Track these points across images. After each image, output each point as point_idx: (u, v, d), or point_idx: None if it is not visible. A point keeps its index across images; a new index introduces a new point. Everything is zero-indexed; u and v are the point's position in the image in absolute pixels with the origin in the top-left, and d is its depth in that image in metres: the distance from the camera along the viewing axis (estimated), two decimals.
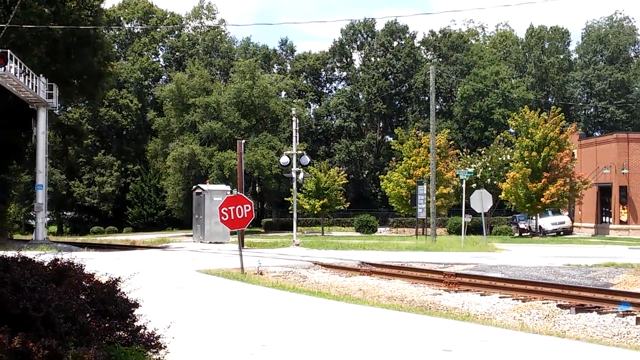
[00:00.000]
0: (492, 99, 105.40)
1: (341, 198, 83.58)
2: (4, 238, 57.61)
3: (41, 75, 50.90)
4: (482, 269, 28.87)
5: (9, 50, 43.85)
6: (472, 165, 74.39)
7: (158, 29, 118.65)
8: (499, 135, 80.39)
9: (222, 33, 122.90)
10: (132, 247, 54.33)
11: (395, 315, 15.77)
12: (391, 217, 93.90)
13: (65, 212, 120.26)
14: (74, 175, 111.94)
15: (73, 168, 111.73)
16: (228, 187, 57.35)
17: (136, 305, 7.61)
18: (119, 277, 7.94)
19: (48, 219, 65.06)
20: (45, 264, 7.47)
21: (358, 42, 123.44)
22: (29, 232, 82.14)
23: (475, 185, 68.29)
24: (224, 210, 26.00)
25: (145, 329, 7.37)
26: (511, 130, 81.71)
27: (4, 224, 67.73)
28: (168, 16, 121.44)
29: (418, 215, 57.43)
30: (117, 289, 7.67)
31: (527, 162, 66.38)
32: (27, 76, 47.68)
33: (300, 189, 75.13)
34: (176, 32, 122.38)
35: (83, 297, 7.18)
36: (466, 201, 48.60)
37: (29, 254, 7.86)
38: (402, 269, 28.65)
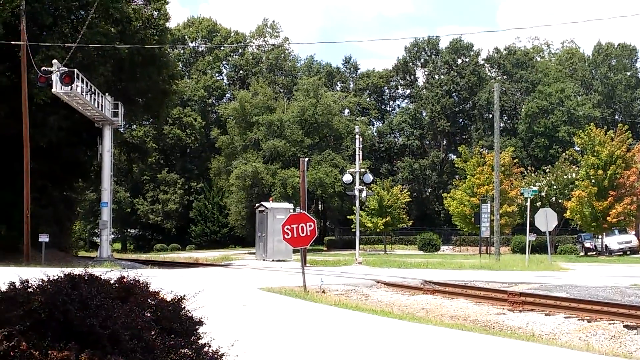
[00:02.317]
0: (557, 116, 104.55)
1: (404, 216, 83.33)
2: (69, 255, 58.29)
3: (107, 93, 51.51)
4: (547, 289, 28.54)
5: (75, 70, 44.44)
6: (536, 184, 73.78)
7: (222, 48, 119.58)
8: (564, 153, 79.74)
9: (286, 51, 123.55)
10: (195, 264, 54.63)
11: (458, 335, 15.65)
12: (454, 235, 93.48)
13: (129, 230, 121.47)
14: (138, 193, 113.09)
15: (137, 186, 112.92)
16: (291, 205, 57.47)
17: (200, 322, 7.64)
18: (184, 295, 7.98)
19: (112, 236, 65.65)
20: (112, 282, 7.53)
21: (422, 60, 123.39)
22: (94, 249, 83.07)
23: (539, 203, 67.66)
24: (287, 228, 26.01)
25: (209, 346, 7.38)
26: (577, 148, 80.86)
27: (69, 241, 68.52)
28: (232, 35, 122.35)
29: (481, 233, 57.06)
30: (182, 306, 7.70)
31: (593, 181, 65.70)
32: (93, 95, 48.25)
33: (363, 207, 75.08)
34: (240, 51, 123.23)
35: (148, 315, 7.21)
36: (530, 220, 48.16)
37: (94, 271, 7.94)
38: (466, 287, 28.45)
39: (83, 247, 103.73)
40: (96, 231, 64.25)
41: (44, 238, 45.18)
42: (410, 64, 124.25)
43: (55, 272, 7.49)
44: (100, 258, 50.48)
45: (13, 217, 48.90)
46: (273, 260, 52.48)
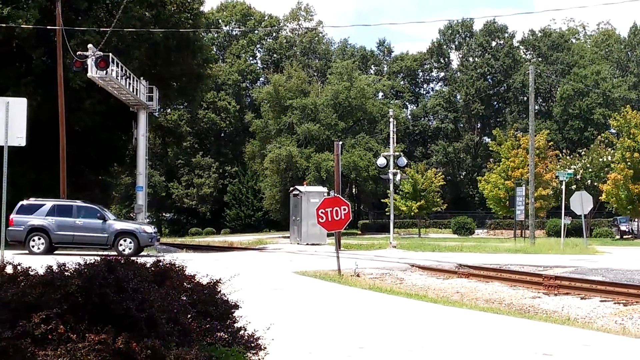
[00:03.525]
0: (592, 98, 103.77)
1: (438, 200, 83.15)
2: None
3: (141, 77, 51.66)
4: (582, 272, 28.41)
5: (110, 54, 44.62)
6: (571, 167, 73.30)
7: (256, 31, 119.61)
8: (599, 136, 79.25)
9: (320, 34, 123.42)
10: (230, 248, 54.78)
11: (493, 318, 15.61)
12: (489, 219, 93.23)
13: (164, 214, 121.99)
14: (173, 177, 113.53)
15: (172, 170, 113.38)
16: (325, 189, 57.42)
17: (236, 306, 7.68)
18: (220, 279, 8.02)
19: (148, 220, 65.85)
20: (148, 266, 7.58)
21: (456, 42, 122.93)
22: None
23: (574, 186, 67.29)
24: (322, 212, 26.04)
25: (245, 330, 7.42)
26: (612, 130, 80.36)
27: None
28: (266, 18, 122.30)
29: (516, 217, 56.85)
30: (218, 290, 7.74)
31: (629, 163, 65.24)
32: (127, 79, 48.42)
33: (397, 191, 74.99)
34: (274, 34, 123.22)
35: (184, 298, 7.26)
36: (566, 203, 47.91)
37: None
38: (500, 271, 28.38)
39: None
40: (131, 215, 64.43)
41: None
42: (445, 46, 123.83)
43: (91, 256, 7.54)
44: None
45: None
46: (307, 244, 52.49)
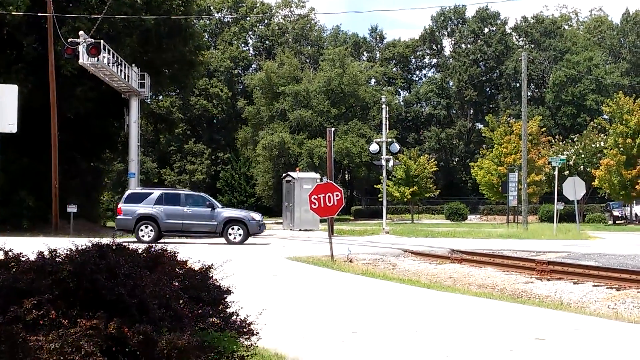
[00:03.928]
0: (585, 85, 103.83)
1: (431, 186, 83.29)
2: (97, 225, 58.60)
3: (133, 64, 51.64)
4: (575, 257, 28.45)
5: (102, 41, 44.57)
6: (564, 152, 73.50)
7: (248, 18, 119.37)
8: (592, 122, 79.41)
9: (312, 21, 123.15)
10: None
11: (486, 303, 15.64)
12: (482, 204, 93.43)
13: None
14: (165, 164, 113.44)
15: (164, 156, 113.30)
16: (318, 175, 57.42)
17: (228, 292, 7.67)
18: (212, 264, 8.01)
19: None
20: (140, 251, 7.56)
21: (448, 29, 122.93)
22: None
23: (567, 172, 67.47)
24: (314, 198, 26.07)
25: (237, 315, 7.42)
26: (605, 116, 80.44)
27: (97, 211, 68.92)
28: (258, 5, 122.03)
29: (509, 202, 56.96)
30: (210, 275, 7.73)
31: (622, 149, 65.41)
32: (119, 66, 48.42)
33: (390, 177, 75.06)
34: (266, 21, 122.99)
35: (176, 284, 7.25)
36: (558, 188, 48.01)
37: (123, 240, 7.98)
38: (493, 256, 28.39)
39: (111, 218, 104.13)
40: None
41: (72, 208, 45.50)
42: (437, 33, 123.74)
43: (83, 242, 7.53)
44: None
45: (42, 188, 49.18)
46: (300, 230, 52.51)
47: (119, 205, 37.87)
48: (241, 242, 36.66)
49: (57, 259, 7.06)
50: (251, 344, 7.40)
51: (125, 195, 38.75)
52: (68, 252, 7.12)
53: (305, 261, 25.34)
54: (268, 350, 9.35)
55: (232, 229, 37.14)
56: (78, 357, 6.19)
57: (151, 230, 36.76)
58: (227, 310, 7.48)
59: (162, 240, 35.23)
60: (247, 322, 7.41)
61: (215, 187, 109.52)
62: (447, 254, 29.78)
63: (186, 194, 39.40)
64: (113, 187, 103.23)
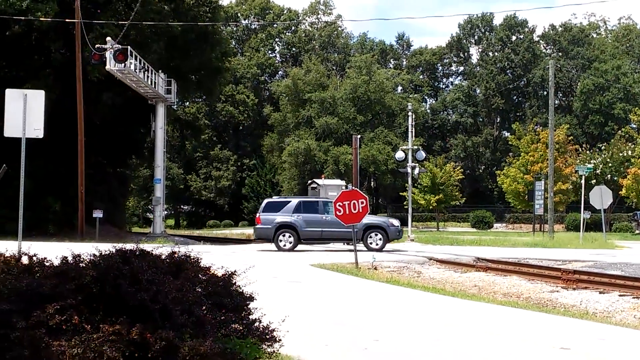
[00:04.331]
0: (613, 93, 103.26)
1: (457, 193, 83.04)
2: (122, 231, 58.80)
3: (160, 71, 51.77)
4: (601, 267, 28.26)
5: (128, 47, 44.70)
6: (591, 161, 73.07)
7: (275, 25, 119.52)
8: (619, 131, 78.93)
9: (339, 28, 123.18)
10: (247, 241, 54.77)
11: (511, 312, 15.55)
12: (508, 213, 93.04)
13: (182, 206, 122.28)
14: (191, 170, 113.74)
15: (190, 162, 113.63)
16: (343, 182, 57.39)
17: (251, 298, 7.66)
18: (235, 271, 8.00)
19: (165, 212, 65.99)
20: (163, 257, 7.56)
21: (476, 37, 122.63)
22: (147, 225, 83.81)
23: (594, 181, 67.06)
24: (339, 205, 26.02)
25: (260, 322, 7.41)
26: (633, 125, 79.91)
27: (123, 217, 69.16)
28: (285, 12, 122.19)
29: (535, 211, 56.72)
30: (233, 282, 7.73)
31: None
32: (146, 72, 48.55)
33: (415, 184, 74.93)
34: (293, 28, 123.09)
35: (199, 290, 7.25)
36: (585, 197, 47.73)
37: (147, 246, 7.99)
38: (519, 265, 28.23)
39: (137, 223, 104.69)
40: (150, 207, 64.69)
41: (98, 214, 45.61)
42: (464, 40, 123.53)
43: (107, 247, 7.53)
44: (154, 234, 50.85)
45: (68, 193, 49.37)
46: None
47: (258, 215, 38.39)
48: (380, 249, 36.68)
49: (80, 264, 7.08)
50: (273, 351, 7.39)
51: (263, 205, 39.16)
52: (91, 258, 7.13)
53: (329, 268, 25.31)
54: (291, 357, 9.31)
55: (372, 235, 37.25)
56: None
57: (290, 238, 37.03)
58: (250, 316, 7.48)
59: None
60: (270, 328, 7.41)
61: (241, 193, 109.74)
62: (472, 262, 29.65)
63: (324, 201, 39.50)
64: (139, 192, 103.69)
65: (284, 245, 36.66)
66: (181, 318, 6.62)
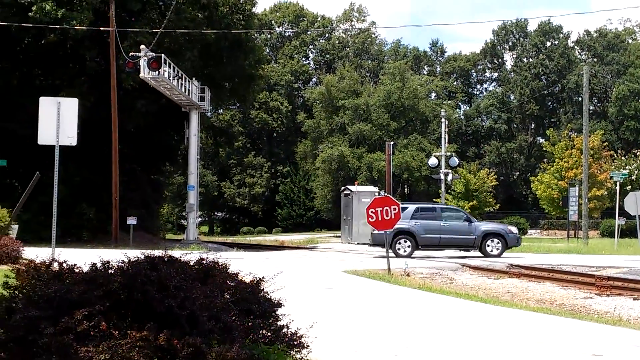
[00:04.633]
0: None
1: (491, 200, 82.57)
2: (156, 238, 59.00)
3: (193, 78, 51.94)
4: (636, 273, 28.01)
5: (162, 55, 44.90)
6: (626, 167, 72.51)
7: (309, 32, 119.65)
8: None
9: (373, 35, 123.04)
10: (281, 247, 54.89)
11: (543, 319, 15.46)
12: (542, 219, 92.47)
13: (216, 213, 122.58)
14: (225, 177, 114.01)
15: (224, 169, 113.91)
16: (376, 189, 57.35)
17: (279, 304, 7.66)
18: (263, 277, 8.01)
19: (199, 219, 66.19)
20: (191, 263, 7.58)
21: (510, 43, 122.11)
22: (181, 232, 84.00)
23: (629, 187, 66.53)
24: (372, 212, 25.99)
25: (288, 328, 7.41)
26: None
27: (157, 223, 69.39)
28: (319, 19, 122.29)
29: (569, 217, 56.41)
30: (261, 288, 7.73)
31: None
32: (180, 79, 48.73)
33: (449, 191, 74.67)
34: (326, 35, 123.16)
35: (227, 296, 7.26)
36: (620, 203, 47.42)
37: (179, 253, 8.02)
38: (552, 271, 28.11)
39: (171, 230, 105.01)
40: (184, 214, 64.89)
41: (132, 221, 45.75)
42: (499, 47, 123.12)
43: (135, 254, 7.57)
44: (187, 241, 51.01)
45: (102, 200, 49.64)
46: (358, 244, 52.32)
47: None
48: (499, 255, 36.66)
49: (109, 270, 7.11)
50: (301, 357, 7.38)
51: None
52: (120, 264, 7.16)
53: (361, 274, 25.29)
54: None
55: (491, 242, 37.21)
56: None
57: (408, 245, 36.95)
58: (278, 322, 7.48)
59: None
60: (298, 334, 7.41)
61: (275, 200, 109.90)
62: (505, 269, 29.55)
63: (442, 207, 39.92)
64: (173, 199, 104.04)
65: (402, 252, 36.44)
66: (208, 324, 6.63)
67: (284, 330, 7.41)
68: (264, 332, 7.25)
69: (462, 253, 38.47)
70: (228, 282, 7.62)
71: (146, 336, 6.34)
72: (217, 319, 6.75)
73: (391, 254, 35.79)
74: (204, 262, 7.74)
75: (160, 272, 6.93)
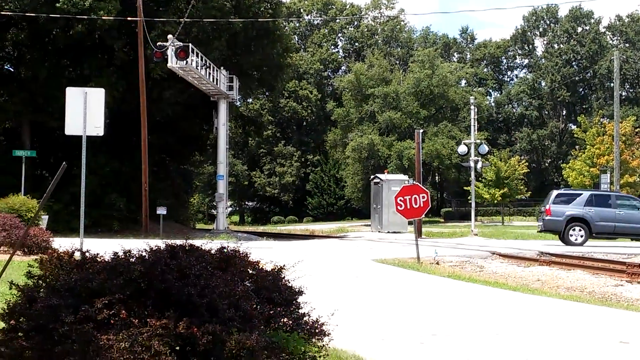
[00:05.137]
0: None
1: (522, 187, 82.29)
2: (186, 227, 59.29)
3: (222, 67, 52.04)
4: None
5: (190, 44, 45.01)
6: None
7: (337, 20, 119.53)
8: None
9: (402, 23, 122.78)
10: (311, 236, 54.97)
11: (573, 306, 15.36)
12: None
13: (247, 202, 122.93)
14: (255, 166, 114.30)
15: (254, 159, 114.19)
16: (406, 177, 57.23)
17: (301, 292, 7.61)
18: (284, 265, 7.96)
19: (230, 209, 66.50)
20: (212, 252, 7.56)
21: (540, 29, 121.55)
22: (212, 222, 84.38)
23: None
24: (400, 200, 25.91)
25: (309, 316, 7.36)
26: None
27: (186, 213, 69.74)
28: (347, 7, 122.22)
29: None
30: (282, 276, 7.68)
31: None
32: (207, 69, 48.83)
33: (480, 178, 74.45)
34: (355, 23, 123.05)
35: (247, 284, 7.23)
36: None
37: (200, 242, 8.01)
38: (583, 259, 27.92)
39: (202, 220, 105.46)
40: (214, 204, 65.19)
41: (161, 211, 45.95)
42: (529, 33, 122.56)
43: (157, 243, 7.57)
44: (217, 230, 51.19)
45: (132, 190, 49.94)
46: (388, 232, 52.31)
47: (547, 206, 37.72)
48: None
49: (130, 259, 7.11)
50: (323, 345, 7.34)
51: (553, 196, 38.54)
52: (141, 253, 7.17)
53: (390, 263, 25.21)
54: (346, 352, 9.28)
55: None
56: (148, 356, 6.21)
57: (581, 233, 36.72)
58: (299, 310, 7.43)
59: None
60: (319, 322, 7.36)
61: (305, 189, 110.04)
62: (535, 257, 29.41)
63: (616, 195, 39.27)
64: (204, 189, 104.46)
65: (575, 240, 36.26)
66: (228, 312, 6.60)
67: (305, 318, 7.37)
68: (284, 320, 7.22)
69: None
70: (249, 270, 7.59)
71: (166, 324, 6.32)
72: (237, 307, 6.72)
73: (558, 242, 35.74)
74: (225, 250, 7.71)
75: (180, 261, 6.93)
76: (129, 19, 45.80)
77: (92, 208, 45.74)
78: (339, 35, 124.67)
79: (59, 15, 44.25)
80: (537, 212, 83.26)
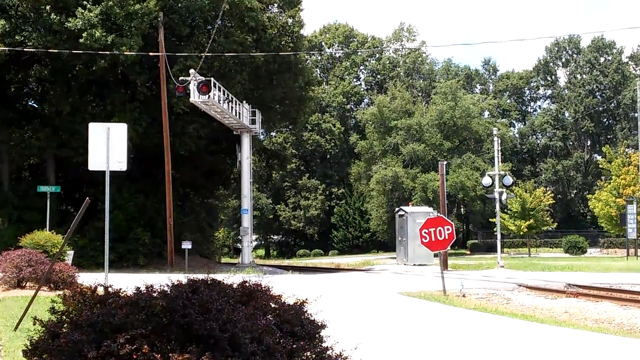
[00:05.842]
0: None
1: (548, 218, 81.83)
2: (211, 262, 59.25)
3: (244, 101, 52.14)
4: None
5: (212, 78, 45.14)
6: None
7: (359, 53, 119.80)
8: None
9: (423, 54, 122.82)
10: (336, 269, 54.81)
11: (601, 338, 15.19)
12: (601, 237, 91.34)
13: (272, 236, 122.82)
14: (280, 199, 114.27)
15: (279, 192, 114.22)
16: (430, 209, 57.05)
17: (323, 326, 7.55)
18: (306, 299, 7.90)
19: (255, 242, 66.44)
20: (234, 286, 7.52)
21: (563, 59, 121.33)
22: (237, 256, 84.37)
23: None
24: (425, 232, 25.82)
25: (332, 349, 7.29)
26: None
27: (211, 247, 69.71)
28: (368, 40, 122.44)
29: (628, 235, 55.70)
30: (304, 310, 7.63)
31: None
32: (230, 103, 48.93)
33: (505, 210, 74.13)
34: (377, 55, 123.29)
35: (270, 318, 7.17)
36: None
37: (223, 276, 7.96)
38: (611, 290, 27.69)
39: (227, 254, 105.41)
40: (239, 238, 65.18)
41: (186, 245, 45.90)
42: (551, 63, 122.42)
43: (179, 277, 7.54)
44: (242, 264, 51.09)
45: (157, 224, 50.04)
46: (414, 265, 52.10)
47: None
48: None
49: (152, 294, 7.08)
50: None
51: None
52: (162, 288, 7.13)
53: (416, 296, 25.09)
54: None
55: None
56: None
57: None
58: (322, 344, 7.36)
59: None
60: (343, 356, 7.28)
61: (330, 222, 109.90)
62: (562, 288, 29.19)
63: None
64: (229, 223, 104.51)
65: None
66: (250, 347, 6.55)
67: (328, 352, 7.30)
68: (307, 354, 7.15)
69: None
70: (271, 304, 7.54)
71: (188, 359, 6.27)
72: (260, 341, 6.67)
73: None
74: (247, 284, 7.67)
75: (201, 295, 6.89)
76: (150, 54, 46.02)
77: (117, 243, 45.92)
78: (361, 67, 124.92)
79: (81, 51, 44.50)
80: (563, 243, 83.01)
